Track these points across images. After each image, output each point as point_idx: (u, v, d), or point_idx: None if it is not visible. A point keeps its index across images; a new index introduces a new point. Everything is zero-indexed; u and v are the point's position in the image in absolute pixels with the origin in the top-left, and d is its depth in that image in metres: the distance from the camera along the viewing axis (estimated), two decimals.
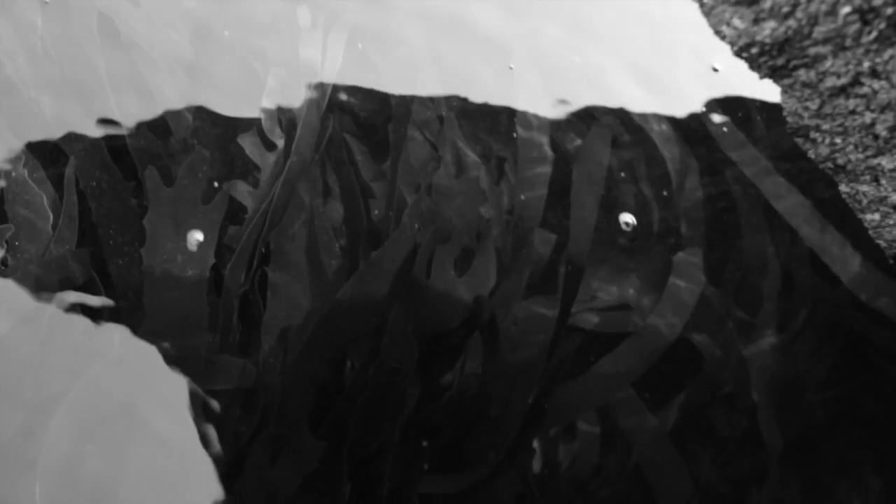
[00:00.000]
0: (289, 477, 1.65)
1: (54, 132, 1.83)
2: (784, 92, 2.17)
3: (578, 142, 2.13)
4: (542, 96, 2.18)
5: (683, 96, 2.25)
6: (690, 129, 2.20)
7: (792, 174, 2.14)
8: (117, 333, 1.67)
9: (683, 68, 2.28)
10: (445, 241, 1.92)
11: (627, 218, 2.00)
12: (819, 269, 2.04)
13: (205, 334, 1.68)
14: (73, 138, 1.84)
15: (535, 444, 1.80)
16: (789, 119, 2.17)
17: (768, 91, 2.18)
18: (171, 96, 1.94)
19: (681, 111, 2.24)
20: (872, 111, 2.03)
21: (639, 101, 2.23)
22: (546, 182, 2.06)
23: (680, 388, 1.91)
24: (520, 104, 2.16)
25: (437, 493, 1.70)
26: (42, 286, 1.67)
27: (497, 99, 2.17)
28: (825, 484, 1.89)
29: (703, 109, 2.22)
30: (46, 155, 1.81)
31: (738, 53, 2.21)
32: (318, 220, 1.90)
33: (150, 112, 1.92)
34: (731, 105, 2.24)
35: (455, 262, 1.92)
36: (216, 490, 1.60)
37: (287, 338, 1.75)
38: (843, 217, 2.09)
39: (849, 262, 2.04)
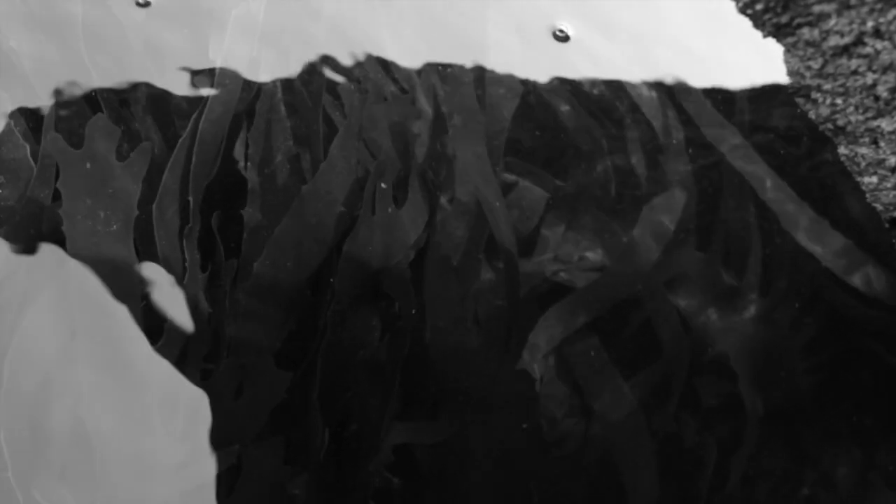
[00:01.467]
0: (255, 409, 1.68)
1: (33, 84, 1.85)
2: (787, 51, 2.15)
3: (566, 108, 2.12)
4: (531, 62, 2.16)
5: (678, 69, 2.22)
6: (680, 101, 2.18)
7: (771, 153, 2.12)
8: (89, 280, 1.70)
9: (679, 41, 2.25)
10: (382, 174, 1.91)
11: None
12: (801, 245, 2.03)
13: (135, 280, 1.71)
14: (53, 91, 1.85)
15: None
16: (791, 79, 2.15)
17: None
18: (140, 41, 1.94)
19: (672, 82, 2.21)
20: (874, 72, 2.00)
21: (632, 70, 2.20)
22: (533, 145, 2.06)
23: (660, 353, 1.91)
24: (506, 68, 2.15)
25: (411, 442, 1.72)
26: (19, 237, 1.71)
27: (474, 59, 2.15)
28: (811, 453, 1.90)
29: (692, 83, 2.20)
30: (27, 108, 1.83)
31: (742, 10, 2.19)
32: (290, 161, 1.91)
33: (122, 62, 1.93)
34: (713, 83, 2.21)
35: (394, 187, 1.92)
36: (182, 426, 1.64)
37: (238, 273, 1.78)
38: (825, 197, 2.07)
39: (825, 239, 2.03)
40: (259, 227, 1.81)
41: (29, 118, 1.81)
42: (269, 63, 1.98)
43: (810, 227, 2.04)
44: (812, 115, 2.13)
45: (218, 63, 1.93)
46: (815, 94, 2.12)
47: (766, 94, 2.16)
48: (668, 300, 1.94)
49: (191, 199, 1.76)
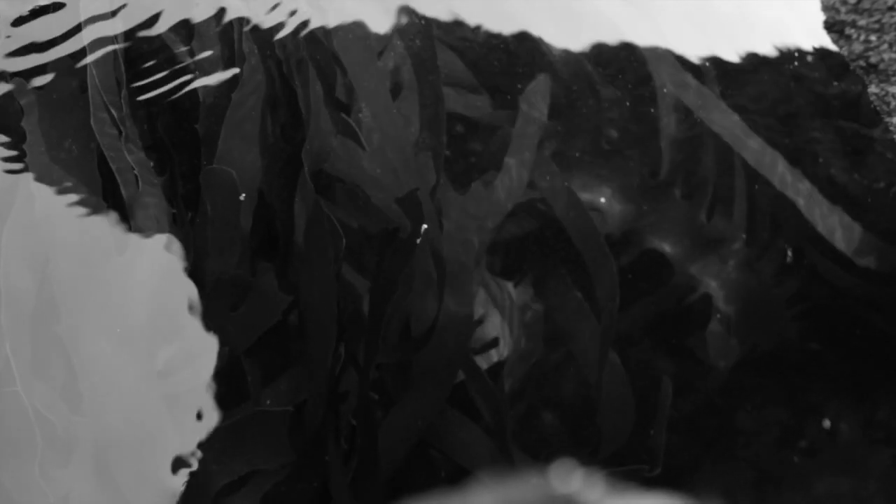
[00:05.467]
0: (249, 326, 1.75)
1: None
2: None
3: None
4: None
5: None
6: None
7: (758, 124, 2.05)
8: None
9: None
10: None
11: None
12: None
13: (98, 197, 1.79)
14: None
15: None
16: (825, 14, 2.09)
17: None
18: None
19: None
20: None
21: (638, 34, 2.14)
22: None
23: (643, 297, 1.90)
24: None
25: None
26: None
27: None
28: (812, 407, 1.86)
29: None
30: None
31: None
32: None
33: None
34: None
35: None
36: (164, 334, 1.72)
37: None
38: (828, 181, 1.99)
39: (813, 203, 1.96)
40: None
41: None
42: None
43: (796, 185, 1.97)
44: (844, 51, 2.07)
45: None
46: (849, 30, 2.06)
47: (753, 66, 2.10)
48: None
49: (111, 108, 1.81)
